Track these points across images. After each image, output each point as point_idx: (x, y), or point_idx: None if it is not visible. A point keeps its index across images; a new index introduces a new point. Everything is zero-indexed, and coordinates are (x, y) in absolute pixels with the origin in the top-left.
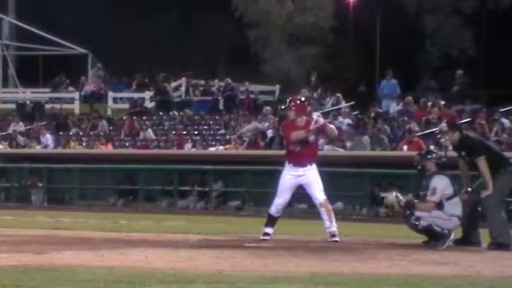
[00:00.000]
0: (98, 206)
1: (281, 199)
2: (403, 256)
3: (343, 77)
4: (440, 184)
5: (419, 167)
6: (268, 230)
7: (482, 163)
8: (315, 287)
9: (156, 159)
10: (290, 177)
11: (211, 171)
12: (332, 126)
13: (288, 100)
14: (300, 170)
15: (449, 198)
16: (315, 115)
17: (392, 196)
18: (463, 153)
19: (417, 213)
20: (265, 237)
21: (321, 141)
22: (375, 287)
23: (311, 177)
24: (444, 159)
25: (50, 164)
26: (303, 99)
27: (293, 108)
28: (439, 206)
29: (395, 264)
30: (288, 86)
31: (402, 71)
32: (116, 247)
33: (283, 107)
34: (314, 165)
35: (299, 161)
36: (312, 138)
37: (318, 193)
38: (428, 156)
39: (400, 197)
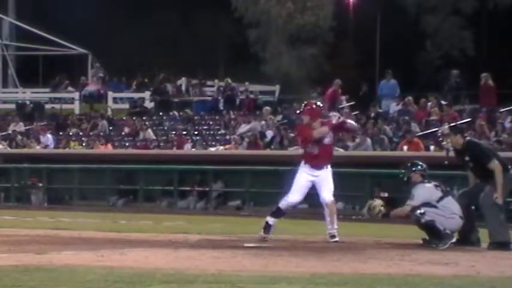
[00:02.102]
0: (98, 206)
1: (295, 197)
2: (403, 256)
3: (343, 77)
4: (420, 191)
5: (405, 178)
6: (271, 220)
7: (496, 166)
8: (314, 287)
9: (156, 159)
10: (307, 176)
11: (211, 171)
12: (351, 121)
13: (303, 104)
14: (316, 172)
15: (439, 200)
16: (332, 114)
17: (377, 202)
18: (467, 158)
19: (423, 209)
20: (266, 233)
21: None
22: (375, 287)
23: (324, 177)
24: (446, 163)
25: (50, 164)
26: (318, 103)
27: (307, 114)
28: (433, 207)
29: (395, 264)
30: (288, 86)
31: (402, 71)
32: (116, 247)
33: (297, 111)
34: (329, 167)
35: (317, 163)
36: (328, 140)
37: (327, 193)
38: (413, 169)
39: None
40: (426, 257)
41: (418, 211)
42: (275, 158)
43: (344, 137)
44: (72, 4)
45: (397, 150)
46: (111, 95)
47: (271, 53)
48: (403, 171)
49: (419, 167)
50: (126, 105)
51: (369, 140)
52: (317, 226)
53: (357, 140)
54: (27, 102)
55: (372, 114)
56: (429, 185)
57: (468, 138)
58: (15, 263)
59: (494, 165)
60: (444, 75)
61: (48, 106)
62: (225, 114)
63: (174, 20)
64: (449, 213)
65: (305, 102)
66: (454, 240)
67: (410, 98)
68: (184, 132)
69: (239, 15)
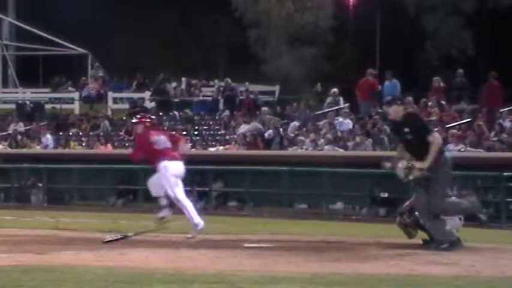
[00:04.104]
0: (98, 206)
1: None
2: (403, 256)
3: (343, 77)
4: None
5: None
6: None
7: (437, 136)
8: (314, 287)
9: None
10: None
11: (211, 171)
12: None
13: (137, 116)
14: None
15: None
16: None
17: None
18: (406, 130)
19: None
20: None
21: (321, 141)
22: (375, 287)
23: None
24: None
25: (50, 164)
26: (151, 116)
27: (141, 123)
28: None
29: (396, 264)
30: (288, 86)
31: (402, 71)
32: (116, 247)
33: (133, 120)
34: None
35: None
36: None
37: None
38: None
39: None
40: (426, 257)
41: (417, 212)
42: (275, 158)
43: (344, 136)
44: (72, 4)
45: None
46: (111, 95)
47: (271, 53)
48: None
49: None
50: (126, 105)
51: (369, 140)
52: (317, 226)
53: (357, 139)
54: (27, 102)
55: (372, 114)
56: None
57: (410, 110)
58: (15, 263)
59: (435, 137)
60: (446, 75)
61: (48, 106)
62: (225, 114)
63: (174, 20)
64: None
65: (140, 115)
66: (454, 239)
67: (410, 98)
68: (184, 132)
69: (239, 15)
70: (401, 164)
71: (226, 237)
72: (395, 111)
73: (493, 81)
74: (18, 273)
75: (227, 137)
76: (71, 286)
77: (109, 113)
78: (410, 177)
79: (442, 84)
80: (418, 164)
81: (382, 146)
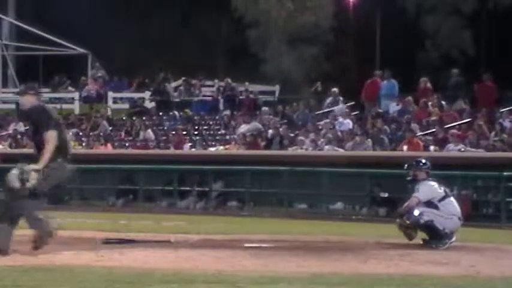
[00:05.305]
0: (98, 206)
1: None
2: (403, 256)
3: (343, 77)
4: (426, 188)
5: (410, 176)
6: None
7: (53, 135)
8: (315, 287)
9: (156, 159)
10: None
11: (211, 171)
12: None
13: None
14: None
15: (441, 199)
16: None
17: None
18: (30, 122)
19: (421, 209)
20: None
21: (321, 141)
22: (375, 287)
23: None
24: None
25: None
26: None
27: None
28: (434, 206)
29: (395, 264)
30: (288, 86)
31: (402, 71)
32: (115, 247)
33: None
34: None
35: None
36: None
37: None
38: (419, 166)
39: None
40: (426, 257)
41: (417, 212)
42: (275, 158)
43: (344, 136)
44: (72, 4)
45: (397, 150)
46: (111, 95)
47: (271, 53)
48: (407, 169)
49: (425, 165)
50: (126, 105)
51: (368, 140)
52: (317, 226)
53: (357, 139)
54: None
55: (372, 114)
56: (433, 183)
57: (41, 103)
58: (15, 263)
59: (51, 136)
60: (444, 75)
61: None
62: (225, 114)
63: (174, 20)
64: (447, 214)
65: None
66: (454, 239)
67: (410, 98)
68: (184, 132)
69: (239, 15)
70: (15, 170)
71: (226, 237)
72: (29, 102)
73: (486, 81)
74: (18, 273)
75: (227, 137)
76: (71, 286)
77: (109, 113)
78: (32, 182)
79: (428, 85)
80: (32, 166)
81: (382, 146)
